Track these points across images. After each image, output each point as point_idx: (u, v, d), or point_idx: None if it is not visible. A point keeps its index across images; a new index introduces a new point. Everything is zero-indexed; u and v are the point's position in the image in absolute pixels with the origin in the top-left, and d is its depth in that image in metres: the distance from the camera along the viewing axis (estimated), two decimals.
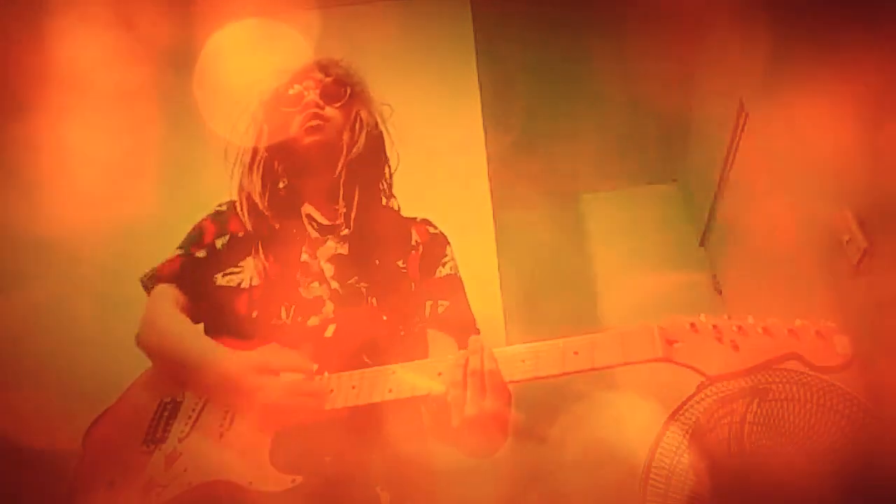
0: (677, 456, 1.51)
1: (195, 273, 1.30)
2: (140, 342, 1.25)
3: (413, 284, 1.32)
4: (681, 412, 1.55)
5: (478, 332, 1.30)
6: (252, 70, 2.22)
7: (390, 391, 1.03)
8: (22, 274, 2.15)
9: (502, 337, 2.06)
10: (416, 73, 2.45)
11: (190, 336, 1.21)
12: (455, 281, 1.36)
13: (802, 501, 1.39)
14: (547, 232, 3.38)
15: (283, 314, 1.21)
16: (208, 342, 1.19)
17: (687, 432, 1.52)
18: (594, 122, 3.19)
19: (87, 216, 2.10)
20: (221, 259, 1.29)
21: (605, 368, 0.95)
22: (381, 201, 1.42)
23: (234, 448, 1.06)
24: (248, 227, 1.31)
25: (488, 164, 2.35)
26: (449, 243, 1.41)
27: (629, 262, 3.30)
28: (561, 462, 2.48)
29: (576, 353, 0.96)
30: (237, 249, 1.30)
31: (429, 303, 1.29)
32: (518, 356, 1.00)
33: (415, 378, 1.03)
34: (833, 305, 1.91)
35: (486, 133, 2.40)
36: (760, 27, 2.26)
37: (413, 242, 1.36)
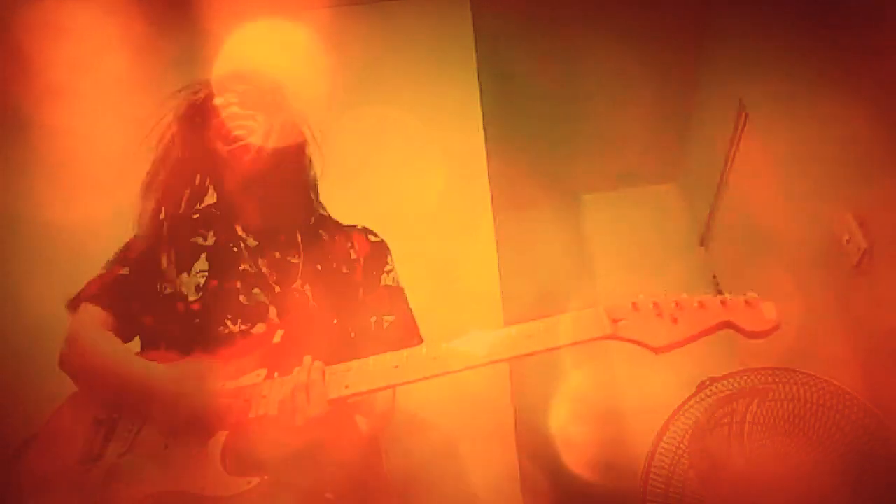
0: (677, 457, 1.51)
1: (120, 290, 1.29)
2: (63, 363, 1.23)
3: (361, 290, 1.34)
4: (680, 412, 1.55)
5: (421, 341, 1.31)
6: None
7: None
8: (27, 267, 2.15)
9: None
10: (416, 73, 2.44)
11: (119, 353, 1.21)
12: (398, 292, 1.38)
13: (803, 502, 1.39)
14: (547, 232, 3.37)
15: (229, 324, 1.23)
16: (136, 359, 1.20)
17: (687, 433, 1.52)
18: (594, 122, 3.18)
19: (94, 208, 2.11)
20: (153, 270, 1.29)
21: (555, 349, 1.03)
22: (316, 209, 1.43)
23: (181, 457, 1.06)
24: (169, 245, 1.31)
25: (488, 164, 2.35)
26: (390, 252, 1.43)
27: (629, 262, 3.30)
28: (560, 463, 2.48)
29: (529, 336, 1.03)
30: (175, 261, 1.30)
31: (373, 318, 1.31)
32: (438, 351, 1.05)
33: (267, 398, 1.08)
34: (833, 305, 1.91)
35: (486, 133, 2.40)
36: (761, 27, 2.27)
37: (353, 255, 1.38)
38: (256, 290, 1.27)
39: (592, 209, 3.58)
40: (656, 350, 1.00)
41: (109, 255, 2.17)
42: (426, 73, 2.47)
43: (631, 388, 2.75)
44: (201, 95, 1.34)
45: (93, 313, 1.27)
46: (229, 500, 1.02)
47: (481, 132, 2.39)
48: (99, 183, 2.18)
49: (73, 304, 1.30)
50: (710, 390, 1.55)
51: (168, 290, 1.27)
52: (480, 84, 2.46)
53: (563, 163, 3.35)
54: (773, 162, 2.30)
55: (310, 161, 1.44)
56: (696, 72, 2.91)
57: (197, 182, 1.37)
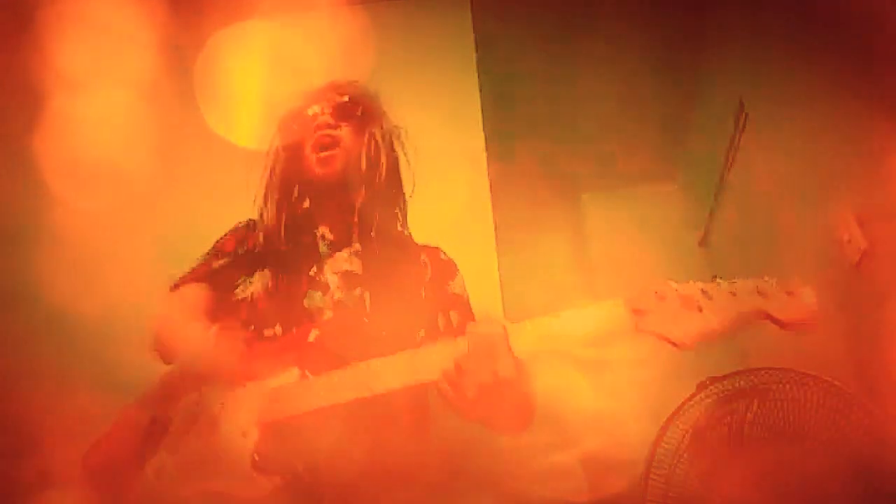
0: (677, 457, 1.51)
1: (215, 281, 1.33)
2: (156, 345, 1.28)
3: (423, 292, 1.32)
4: (680, 412, 1.55)
5: None
6: (261, 73, 2.24)
7: (369, 388, 1.04)
8: (27, 270, 2.15)
9: None
10: (416, 73, 2.44)
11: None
12: (465, 302, 1.36)
13: (802, 502, 1.39)
14: (547, 232, 3.38)
15: (277, 328, 1.23)
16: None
17: (687, 433, 1.52)
18: (594, 122, 3.18)
19: (93, 213, 2.12)
20: (240, 266, 1.33)
21: (575, 344, 0.97)
22: (397, 227, 1.42)
23: (219, 452, 1.08)
24: (262, 247, 1.34)
25: (488, 164, 2.35)
26: (459, 272, 1.41)
27: (629, 262, 3.30)
28: (560, 463, 2.48)
29: (543, 336, 0.98)
30: (252, 260, 1.34)
31: (440, 316, 1.30)
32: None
33: (404, 369, 1.03)
34: (833, 305, 1.91)
35: (485, 133, 2.40)
36: (761, 27, 2.27)
37: (422, 260, 1.37)
38: (318, 294, 1.27)
39: (592, 209, 3.58)
40: (681, 345, 0.92)
41: (120, 247, 2.18)
42: (426, 73, 2.46)
43: (630, 388, 2.75)
44: (299, 105, 1.40)
45: (190, 294, 1.31)
46: (256, 501, 1.03)
47: (481, 132, 2.39)
48: (114, 175, 2.19)
49: (175, 286, 1.35)
50: (710, 390, 1.55)
51: (247, 291, 1.29)
52: (480, 84, 2.46)
53: (563, 163, 3.35)
54: (773, 162, 2.30)
55: (400, 181, 1.45)
56: (696, 72, 2.91)
57: (295, 195, 1.38)
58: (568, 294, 3.17)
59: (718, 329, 0.91)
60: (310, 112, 1.37)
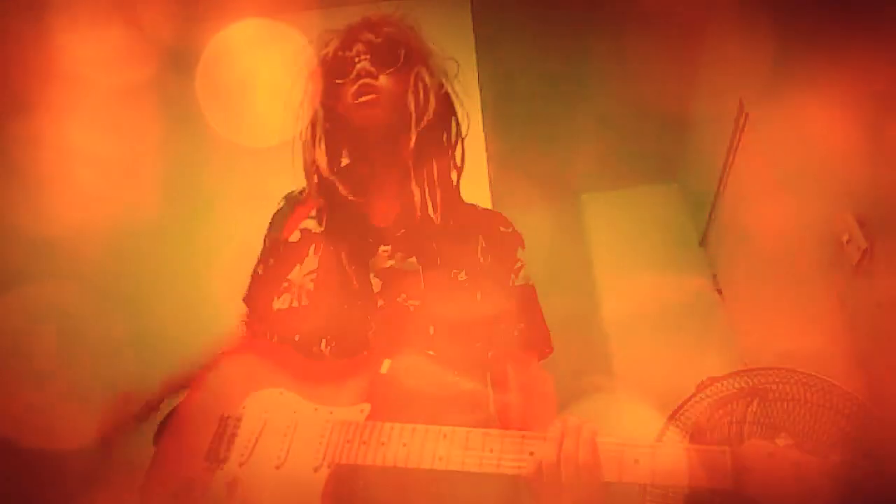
0: None
1: (257, 291, 1.25)
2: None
3: (479, 294, 1.16)
4: (680, 412, 1.55)
5: (551, 349, 1.21)
6: (253, 70, 2.24)
7: (440, 459, 0.92)
8: (21, 273, 2.15)
9: None
10: None
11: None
12: (528, 292, 1.22)
13: (802, 502, 1.39)
14: (547, 232, 3.37)
15: (323, 344, 1.09)
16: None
17: (686, 432, 1.52)
18: (594, 122, 3.18)
19: (87, 215, 2.11)
20: (278, 271, 1.19)
21: (664, 485, 0.91)
22: (453, 180, 1.28)
23: (289, 483, 0.96)
24: (319, 200, 1.19)
25: (488, 164, 2.34)
26: (522, 245, 1.26)
27: (629, 262, 3.30)
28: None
29: (636, 461, 0.91)
30: (292, 253, 1.19)
31: (502, 328, 1.17)
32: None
33: (484, 454, 0.92)
34: (833, 305, 1.91)
35: (485, 133, 2.39)
36: (761, 27, 2.26)
37: (480, 249, 1.21)
38: (359, 303, 1.11)
39: (592, 209, 3.58)
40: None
41: (105, 264, 2.16)
42: None
43: (630, 388, 2.75)
44: (330, 49, 1.23)
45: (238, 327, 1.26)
46: None
47: (481, 132, 2.39)
48: (87, 195, 2.18)
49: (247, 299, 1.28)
50: (710, 390, 1.54)
51: (287, 300, 1.15)
52: (480, 84, 2.46)
53: (563, 163, 3.35)
54: (773, 162, 2.30)
55: (456, 122, 1.30)
56: (696, 72, 2.91)
57: (337, 144, 1.23)
58: (567, 294, 3.16)
59: None
60: (343, 55, 1.21)
